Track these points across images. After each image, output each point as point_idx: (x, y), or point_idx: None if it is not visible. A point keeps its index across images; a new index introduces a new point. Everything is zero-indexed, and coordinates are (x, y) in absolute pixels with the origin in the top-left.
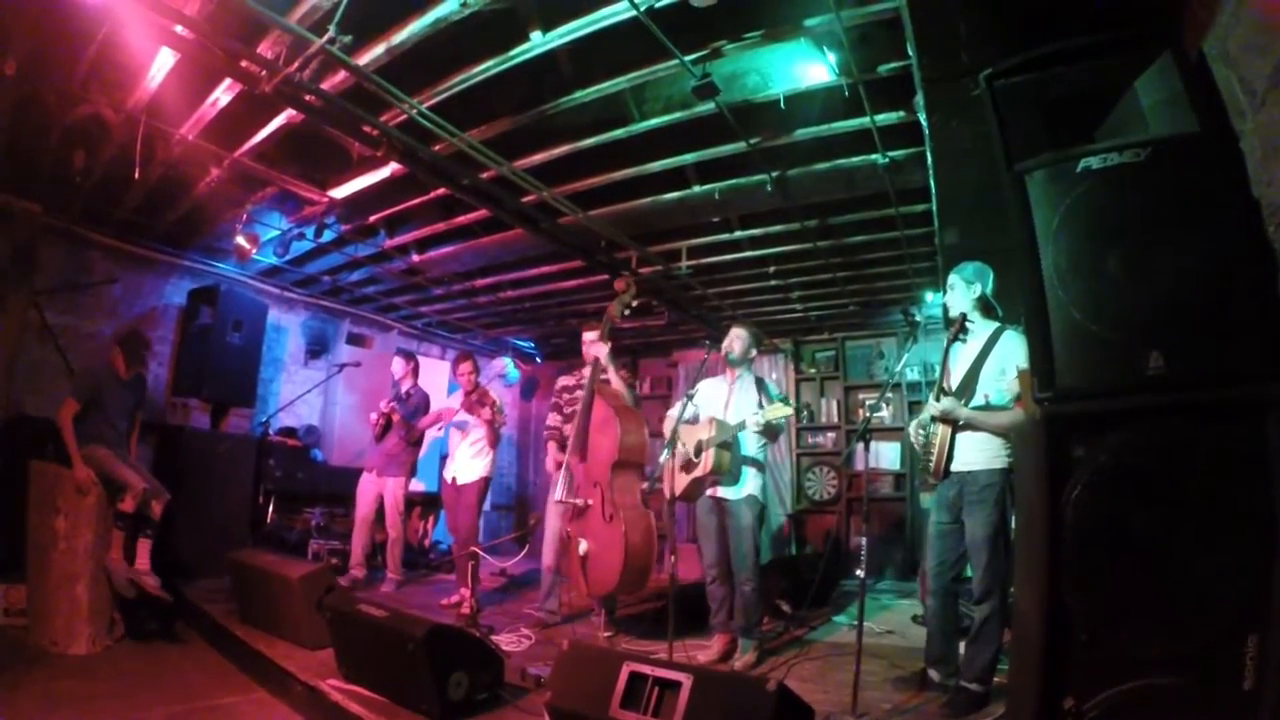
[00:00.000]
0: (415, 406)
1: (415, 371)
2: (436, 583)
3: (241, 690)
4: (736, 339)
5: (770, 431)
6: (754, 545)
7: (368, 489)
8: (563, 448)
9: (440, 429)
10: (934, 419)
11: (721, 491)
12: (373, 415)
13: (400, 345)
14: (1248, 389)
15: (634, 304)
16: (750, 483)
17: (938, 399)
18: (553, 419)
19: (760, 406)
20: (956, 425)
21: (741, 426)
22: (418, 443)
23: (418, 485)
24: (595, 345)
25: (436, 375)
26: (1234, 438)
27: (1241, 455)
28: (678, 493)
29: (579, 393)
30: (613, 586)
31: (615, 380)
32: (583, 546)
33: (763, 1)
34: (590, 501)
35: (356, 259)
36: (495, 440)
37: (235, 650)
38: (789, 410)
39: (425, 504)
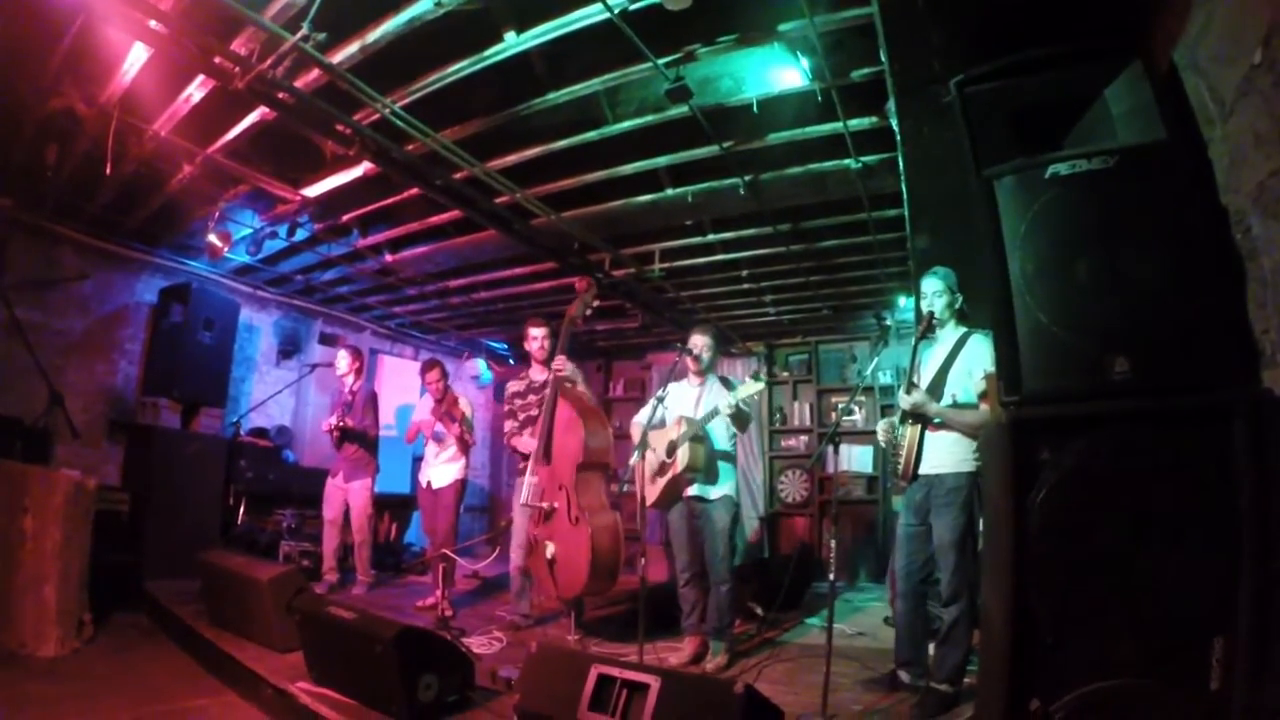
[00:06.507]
0: (362, 408)
1: (361, 370)
2: (408, 585)
3: (211, 693)
4: (704, 345)
5: (741, 420)
6: (729, 547)
7: (334, 494)
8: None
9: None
10: (904, 414)
11: (697, 490)
12: (324, 426)
13: (373, 346)
14: (1213, 395)
15: (595, 304)
16: (725, 483)
17: (908, 392)
18: (509, 426)
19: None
20: (926, 424)
21: (714, 414)
22: (376, 441)
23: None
24: (555, 360)
25: (408, 376)
26: (1199, 443)
27: (1206, 460)
28: (652, 500)
29: (531, 398)
30: (580, 589)
31: (581, 387)
32: (549, 550)
33: (737, 6)
34: (556, 505)
35: (329, 258)
36: (466, 448)
37: (204, 652)
38: (760, 386)
39: (397, 506)
